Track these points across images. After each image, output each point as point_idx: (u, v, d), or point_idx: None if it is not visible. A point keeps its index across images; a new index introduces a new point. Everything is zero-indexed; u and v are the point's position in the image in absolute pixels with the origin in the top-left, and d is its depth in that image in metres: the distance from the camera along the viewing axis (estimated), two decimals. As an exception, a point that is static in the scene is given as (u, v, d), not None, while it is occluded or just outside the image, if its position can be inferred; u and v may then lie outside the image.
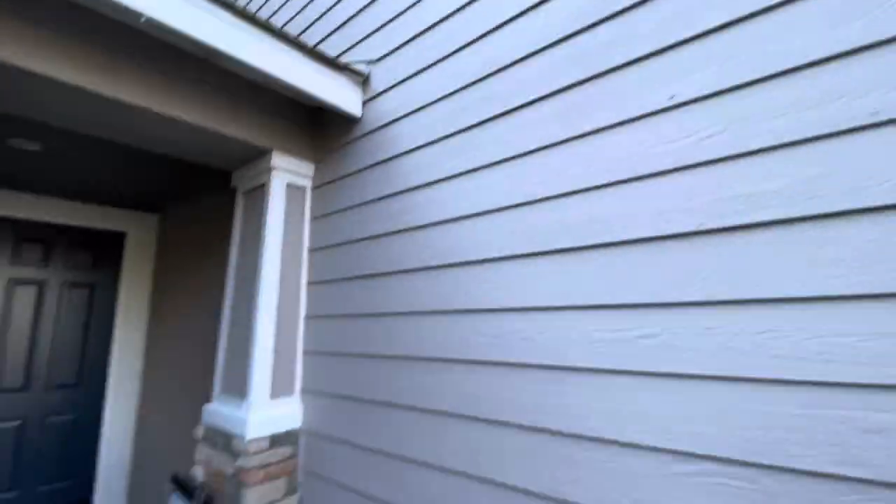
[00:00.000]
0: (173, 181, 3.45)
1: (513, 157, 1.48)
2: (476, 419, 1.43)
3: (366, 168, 2.01)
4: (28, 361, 3.38)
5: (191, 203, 3.53)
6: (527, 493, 1.28)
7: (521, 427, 1.33)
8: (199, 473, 2.02)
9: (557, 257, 1.34)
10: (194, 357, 3.02)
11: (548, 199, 1.38)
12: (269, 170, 2.13)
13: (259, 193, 2.22)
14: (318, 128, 2.31)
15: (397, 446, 1.63)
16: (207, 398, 2.60)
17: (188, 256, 3.42)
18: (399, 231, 1.80)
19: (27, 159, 2.93)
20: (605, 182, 1.27)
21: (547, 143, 1.41)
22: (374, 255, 1.89)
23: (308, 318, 2.14)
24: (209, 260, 3.05)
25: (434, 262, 1.65)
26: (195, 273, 3.24)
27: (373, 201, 1.94)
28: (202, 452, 2.06)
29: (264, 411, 1.92)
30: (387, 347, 1.75)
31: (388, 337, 1.76)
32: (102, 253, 3.80)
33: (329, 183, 2.20)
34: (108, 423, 3.61)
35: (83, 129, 1.92)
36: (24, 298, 3.42)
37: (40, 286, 3.50)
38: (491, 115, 1.57)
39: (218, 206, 3.07)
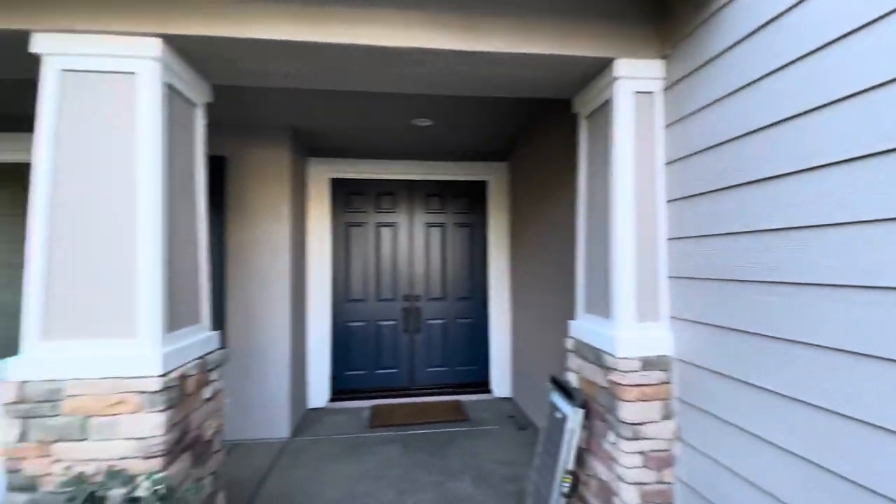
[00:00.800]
0: (517, 127, 3.86)
1: None
2: None
3: (734, 45, 1.52)
4: (442, 281, 4.76)
5: (531, 145, 3.86)
6: None
7: None
8: (572, 379, 2.27)
9: None
10: (550, 276, 3.39)
11: None
12: (612, 82, 1.97)
13: (603, 112, 2.11)
14: (665, 13, 1.93)
15: (810, 393, 1.25)
16: (566, 311, 2.86)
17: (535, 192, 3.80)
18: (794, 116, 1.28)
19: (424, 133, 3.96)
20: None
21: None
22: (754, 155, 1.45)
23: (671, 239, 1.93)
24: (555, 191, 3.27)
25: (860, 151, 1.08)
26: (543, 205, 3.57)
27: (748, 85, 1.47)
28: (573, 362, 2.28)
29: (631, 333, 1.90)
30: (783, 272, 1.33)
31: (786, 260, 1.33)
32: (474, 200, 4.80)
33: (683, 79, 1.82)
34: (493, 327, 4.69)
35: (445, 90, 2.32)
36: (434, 237, 4.77)
37: (442, 228, 4.79)
38: None
39: (557, 139, 3.20)
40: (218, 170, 3.59)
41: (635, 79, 1.95)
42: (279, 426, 3.67)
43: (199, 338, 2.00)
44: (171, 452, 1.66)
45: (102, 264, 1.67)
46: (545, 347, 3.54)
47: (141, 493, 1.24)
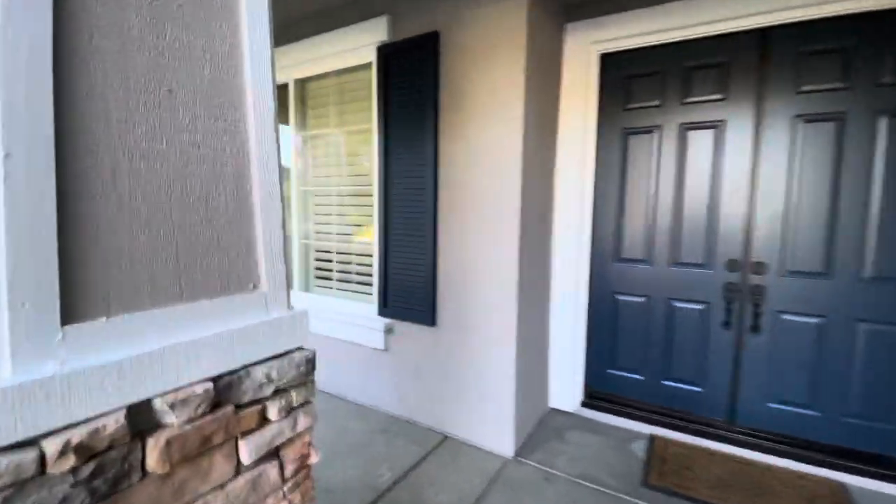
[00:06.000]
0: None
1: None
2: None
3: None
4: (828, 235, 2.29)
5: None
6: None
7: None
8: None
9: None
10: None
11: None
12: None
13: None
14: None
15: None
16: None
17: None
18: None
19: None
20: None
21: None
22: None
23: None
24: None
25: None
26: None
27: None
28: None
29: None
30: None
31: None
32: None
33: None
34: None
35: None
36: (812, 147, 2.30)
37: (840, 123, 2.23)
38: None
39: None
40: (428, 50, 2.44)
41: None
42: (497, 433, 2.48)
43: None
44: None
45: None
46: None
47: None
